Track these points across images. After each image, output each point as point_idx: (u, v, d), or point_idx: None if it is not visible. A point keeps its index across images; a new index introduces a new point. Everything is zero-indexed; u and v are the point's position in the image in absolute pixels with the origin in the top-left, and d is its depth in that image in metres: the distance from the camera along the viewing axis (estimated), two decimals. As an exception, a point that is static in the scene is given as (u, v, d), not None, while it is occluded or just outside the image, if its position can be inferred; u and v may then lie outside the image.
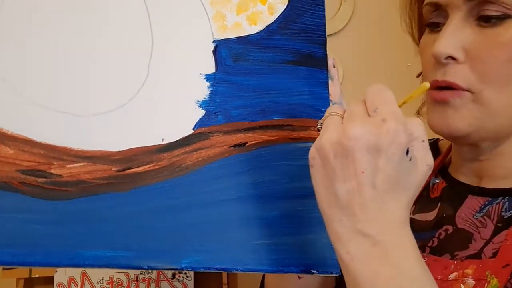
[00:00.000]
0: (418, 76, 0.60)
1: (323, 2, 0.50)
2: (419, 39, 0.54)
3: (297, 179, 0.46)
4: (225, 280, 1.11)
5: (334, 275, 0.45)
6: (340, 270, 0.40)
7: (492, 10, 0.45)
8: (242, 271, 0.42)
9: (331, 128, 0.38)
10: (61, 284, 1.04)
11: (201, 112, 0.44)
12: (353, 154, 0.36)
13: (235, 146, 0.45)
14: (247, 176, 0.44)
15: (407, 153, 0.37)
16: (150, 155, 0.41)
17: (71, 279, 1.04)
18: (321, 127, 0.39)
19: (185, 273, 1.08)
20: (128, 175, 0.40)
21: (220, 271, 0.42)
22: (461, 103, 0.47)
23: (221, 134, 0.44)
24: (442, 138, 0.58)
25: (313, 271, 0.44)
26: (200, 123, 0.44)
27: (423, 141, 0.38)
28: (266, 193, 0.44)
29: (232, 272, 1.06)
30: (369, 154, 0.36)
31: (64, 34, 0.41)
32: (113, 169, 0.40)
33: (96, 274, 1.06)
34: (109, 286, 1.07)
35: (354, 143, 0.36)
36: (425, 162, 0.37)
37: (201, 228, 0.41)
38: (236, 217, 0.43)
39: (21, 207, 0.36)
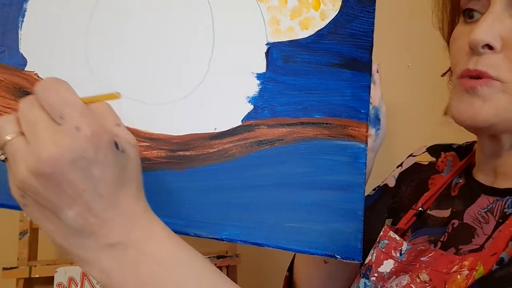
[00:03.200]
0: (443, 75, 0.61)
1: (374, 9, 0.53)
2: (450, 34, 0.55)
3: (329, 172, 0.51)
4: None
5: (356, 261, 0.51)
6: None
7: None
8: (273, 247, 0.49)
9: (20, 159, 0.32)
10: (61, 284, 1.01)
11: (250, 107, 0.50)
12: (62, 178, 0.32)
13: (276, 139, 0.51)
14: (285, 166, 0.50)
15: (117, 147, 0.35)
16: (203, 141, 0.48)
17: (71, 279, 1.02)
18: (5, 158, 0.33)
19: None
20: (185, 156, 0.48)
21: (255, 245, 0.49)
22: (490, 92, 0.46)
23: (266, 127, 0.50)
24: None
25: (336, 256, 0.49)
26: (248, 117, 0.50)
27: (118, 124, 0.36)
28: (300, 182, 0.50)
29: (232, 269, 1.12)
30: (81, 171, 0.32)
31: (139, 31, 0.48)
32: (173, 150, 0.48)
33: None
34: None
35: (57, 168, 0.31)
36: (131, 144, 0.36)
37: (241, 207, 0.48)
38: (272, 200, 0.49)
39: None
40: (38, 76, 0.44)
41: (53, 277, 1.01)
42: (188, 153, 0.48)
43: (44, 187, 0.32)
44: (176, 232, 0.47)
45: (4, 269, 0.99)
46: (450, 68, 0.57)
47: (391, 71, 1.04)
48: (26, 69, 0.44)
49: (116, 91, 0.36)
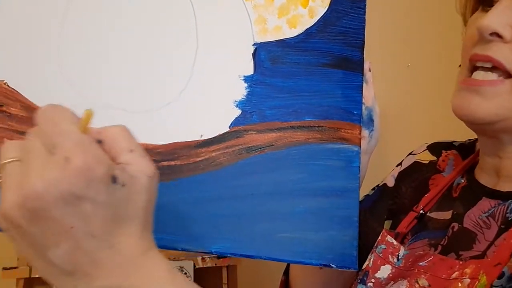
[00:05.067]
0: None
1: (364, 5, 0.51)
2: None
3: (323, 178, 0.49)
4: (225, 280, 1.09)
5: (352, 270, 0.49)
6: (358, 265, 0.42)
7: None
8: (266, 259, 0.47)
9: (10, 187, 0.30)
10: None
11: (237, 112, 0.47)
12: (49, 214, 0.29)
13: (266, 145, 0.48)
14: (276, 173, 0.48)
15: (114, 181, 0.31)
16: (189, 149, 0.45)
17: None
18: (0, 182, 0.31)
19: (185, 273, 1.08)
20: (169, 166, 0.45)
21: (246, 258, 0.47)
22: (494, 92, 0.46)
23: (255, 132, 0.48)
24: None
25: (332, 265, 0.47)
26: (236, 122, 0.47)
27: (131, 150, 0.33)
28: (293, 190, 0.48)
29: (232, 269, 1.11)
30: (68, 206, 0.30)
31: (118, 34, 0.45)
32: (156, 161, 0.45)
33: None
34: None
35: (42, 203, 0.29)
36: (143, 174, 0.33)
37: (231, 218, 0.46)
38: (263, 210, 0.47)
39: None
40: (8, 86, 0.41)
41: None
42: (173, 163, 0.45)
43: (28, 221, 0.30)
44: (162, 247, 0.44)
45: (4, 269, 0.99)
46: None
47: (391, 71, 1.04)
48: (-6, 78, 0.41)
49: (88, 109, 0.33)
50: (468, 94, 0.47)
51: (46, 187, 0.29)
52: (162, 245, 0.44)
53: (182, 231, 0.45)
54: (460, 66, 0.57)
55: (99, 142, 0.32)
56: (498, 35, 0.45)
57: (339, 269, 0.55)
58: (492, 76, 0.46)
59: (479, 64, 0.47)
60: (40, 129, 0.31)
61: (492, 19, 0.45)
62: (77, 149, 0.30)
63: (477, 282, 0.44)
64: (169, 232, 0.44)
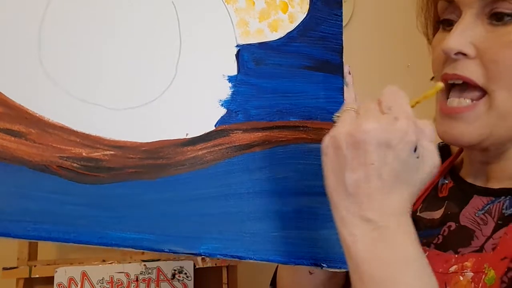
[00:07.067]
0: (432, 79, 0.61)
1: (341, 12, 0.53)
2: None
3: (310, 177, 0.48)
4: (225, 280, 1.10)
5: (342, 270, 0.47)
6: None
7: (504, 8, 0.45)
8: (255, 260, 0.45)
9: (346, 121, 0.40)
10: (61, 284, 1.02)
11: (223, 111, 0.47)
12: (364, 146, 0.38)
13: (252, 143, 0.47)
14: (263, 172, 0.47)
15: (415, 150, 0.39)
16: (175, 148, 0.44)
17: (71, 279, 1.03)
18: (337, 120, 0.42)
19: (185, 273, 1.09)
20: (155, 165, 0.43)
21: (235, 259, 0.45)
22: (475, 115, 0.48)
23: (241, 131, 0.47)
24: None
25: (323, 264, 0.46)
26: (222, 121, 0.47)
27: (431, 141, 0.40)
28: (281, 189, 0.47)
29: (232, 269, 1.08)
30: (379, 148, 0.38)
31: (100, 32, 0.44)
32: (141, 158, 0.43)
33: (96, 274, 1.05)
34: (109, 286, 1.06)
35: (366, 137, 0.38)
36: (431, 161, 0.40)
37: (220, 218, 0.44)
38: (252, 209, 0.45)
39: (58, 189, 0.39)
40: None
41: (53, 277, 1.02)
42: (158, 161, 0.44)
43: (347, 145, 0.38)
44: (148, 249, 0.42)
45: (4, 269, 0.99)
46: None
47: (391, 71, 1.06)
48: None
49: (439, 82, 0.46)
50: (450, 121, 0.49)
51: (374, 128, 0.38)
52: (147, 246, 0.42)
53: (168, 231, 0.42)
54: (431, 79, 0.60)
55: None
56: (463, 54, 0.47)
57: (329, 273, 0.54)
58: (465, 102, 0.49)
59: (450, 81, 0.50)
60: (382, 98, 0.40)
61: (454, 41, 0.47)
62: (405, 115, 0.39)
63: (484, 276, 0.44)
64: (155, 232, 0.42)
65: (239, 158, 0.46)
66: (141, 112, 0.44)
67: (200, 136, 0.45)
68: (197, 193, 0.44)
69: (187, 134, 0.45)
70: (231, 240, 0.44)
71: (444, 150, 0.62)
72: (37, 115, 0.39)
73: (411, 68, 1.06)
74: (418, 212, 0.57)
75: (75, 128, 0.41)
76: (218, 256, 0.43)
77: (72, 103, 0.41)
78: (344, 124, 0.40)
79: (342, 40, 0.53)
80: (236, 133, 0.47)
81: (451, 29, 0.49)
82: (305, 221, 0.47)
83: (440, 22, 0.52)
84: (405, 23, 1.06)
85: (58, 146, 0.39)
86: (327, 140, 0.40)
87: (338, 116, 0.42)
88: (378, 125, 0.38)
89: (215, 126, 0.46)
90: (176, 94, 0.45)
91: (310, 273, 0.57)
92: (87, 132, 0.41)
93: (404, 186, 0.39)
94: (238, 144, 0.47)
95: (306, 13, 0.52)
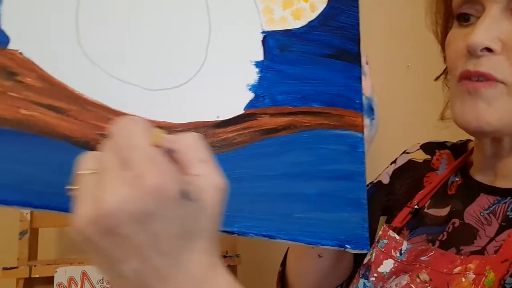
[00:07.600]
0: (437, 79, 0.63)
1: (357, 4, 0.55)
2: (444, 37, 0.56)
3: (332, 162, 0.50)
4: None
5: (365, 251, 0.49)
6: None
7: None
8: (285, 239, 0.46)
9: (85, 197, 0.30)
10: (61, 284, 1.01)
11: (251, 95, 0.48)
12: (120, 231, 0.29)
13: (279, 128, 0.49)
14: (289, 155, 0.48)
15: (185, 196, 0.31)
16: (206, 129, 0.45)
17: (71, 279, 1.02)
18: (74, 193, 0.31)
19: None
20: (188, 146, 0.44)
21: (267, 239, 0.46)
22: (494, 95, 0.46)
23: (268, 116, 0.48)
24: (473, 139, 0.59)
25: (346, 246, 0.48)
26: (250, 105, 0.47)
27: (204, 161, 0.33)
28: (306, 172, 0.48)
29: (232, 269, 1.07)
30: (139, 225, 0.29)
31: (134, 14, 0.44)
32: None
33: (96, 274, 1.03)
34: (109, 286, 1.04)
35: (115, 221, 0.29)
36: (214, 187, 0.32)
37: (250, 198, 0.45)
38: (280, 191, 0.46)
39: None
40: (22, 55, 0.38)
41: (53, 277, 1.01)
42: (191, 142, 0.44)
43: (100, 237, 0.30)
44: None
45: (4, 269, 0.98)
46: (443, 72, 0.58)
47: (391, 71, 1.06)
48: (8, 47, 0.38)
49: (157, 130, 0.33)
50: (471, 99, 0.47)
51: (119, 205, 0.29)
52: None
53: None
54: (436, 79, 0.62)
55: (172, 151, 0.32)
56: (488, 49, 0.46)
57: (337, 257, 0.55)
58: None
59: (474, 79, 0.48)
60: (114, 142, 0.31)
61: (481, 35, 0.45)
62: (149, 166, 0.30)
63: (484, 278, 0.44)
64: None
65: (267, 141, 0.47)
66: (174, 94, 0.44)
67: (231, 118, 0.46)
68: (229, 173, 0.44)
69: (218, 117, 0.46)
70: (262, 219, 0.45)
71: (461, 148, 0.63)
72: (77, 92, 0.39)
73: (411, 68, 1.08)
74: (426, 208, 0.58)
75: (112, 107, 0.41)
76: (251, 235, 0.44)
77: (110, 82, 0.41)
78: (82, 207, 0.30)
79: (359, 30, 0.55)
80: (263, 117, 0.48)
81: (469, 24, 0.49)
82: (329, 204, 0.48)
83: (456, 17, 0.52)
84: (405, 23, 1.08)
85: (98, 123, 0.39)
86: (74, 233, 0.31)
87: (74, 187, 0.32)
88: (122, 197, 0.29)
89: (244, 109, 0.47)
90: (207, 77, 0.46)
91: (319, 256, 0.58)
92: (123, 110, 0.41)
93: (195, 241, 0.32)
94: (265, 128, 0.48)
95: (326, 3, 0.53)
